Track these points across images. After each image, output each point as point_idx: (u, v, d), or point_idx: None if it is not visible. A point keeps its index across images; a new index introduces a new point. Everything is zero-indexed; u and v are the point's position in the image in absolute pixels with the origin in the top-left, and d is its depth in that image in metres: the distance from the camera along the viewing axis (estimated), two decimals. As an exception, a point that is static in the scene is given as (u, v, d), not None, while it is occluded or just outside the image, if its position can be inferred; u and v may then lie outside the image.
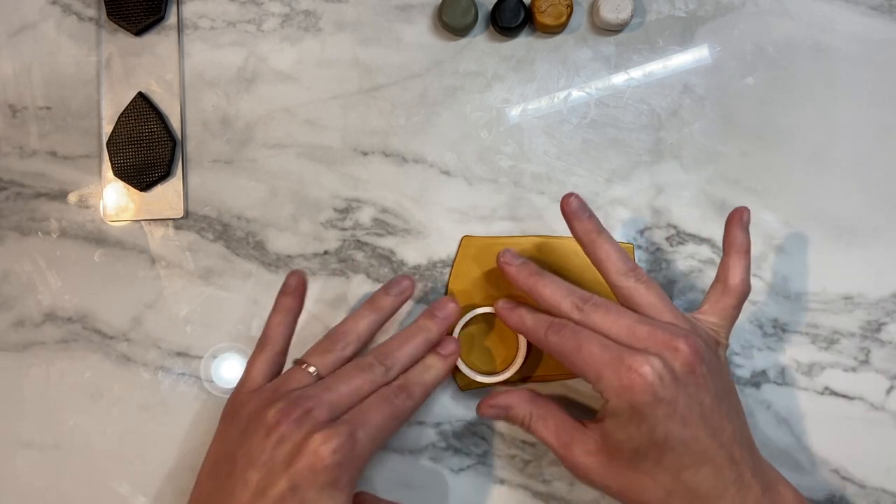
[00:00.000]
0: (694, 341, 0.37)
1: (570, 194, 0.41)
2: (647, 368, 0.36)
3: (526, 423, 0.42)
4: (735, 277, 0.41)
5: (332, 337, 0.42)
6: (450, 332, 0.45)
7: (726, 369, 0.40)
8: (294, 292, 0.43)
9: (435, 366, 0.42)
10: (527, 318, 0.42)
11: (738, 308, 0.42)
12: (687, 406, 0.36)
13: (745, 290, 0.41)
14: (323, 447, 0.35)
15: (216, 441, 0.40)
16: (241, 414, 0.39)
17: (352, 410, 0.38)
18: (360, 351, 0.42)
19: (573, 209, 0.41)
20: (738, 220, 0.42)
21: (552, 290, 0.41)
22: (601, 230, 0.41)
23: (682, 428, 0.36)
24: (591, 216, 0.42)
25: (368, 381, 0.40)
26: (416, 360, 0.42)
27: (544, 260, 0.48)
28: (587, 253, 0.42)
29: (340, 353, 0.41)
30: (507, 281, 0.47)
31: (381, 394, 0.39)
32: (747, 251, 0.42)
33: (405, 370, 0.41)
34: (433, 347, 0.43)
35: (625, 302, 0.40)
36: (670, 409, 0.36)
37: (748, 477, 0.37)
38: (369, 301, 0.43)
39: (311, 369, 0.40)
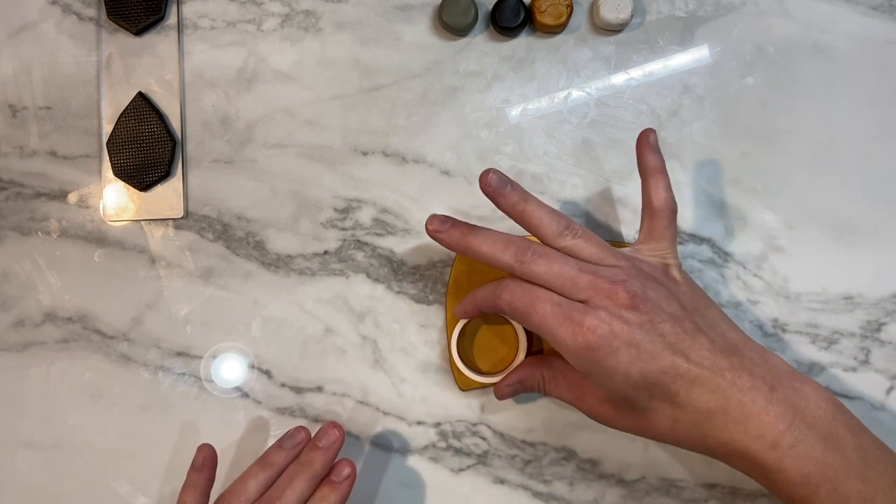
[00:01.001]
0: (631, 284, 0.37)
1: (488, 171, 0.40)
2: (596, 322, 0.36)
3: (541, 388, 0.43)
4: (658, 198, 0.42)
5: (220, 502, 0.42)
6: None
7: (686, 286, 0.40)
8: (202, 468, 0.44)
9: (328, 498, 0.42)
10: (477, 294, 0.41)
11: (671, 226, 0.42)
12: (648, 341, 0.37)
13: (672, 207, 0.42)
14: None
15: None
16: None
17: None
18: None
19: (493, 186, 0.40)
20: (646, 144, 0.43)
21: (490, 244, 0.39)
22: (527, 198, 0.40)
23: (653, 361, 0.36)
24: (514, 187, 0.40)
25: None
26: (305, 499, 0.42)
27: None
28: (521, 225, 0.41)
29: None
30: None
31: None
32: (662, 170, 0.42)
33: None
34: (324, 478, 0.43)
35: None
36: (632, 351, 0.36)
37: (746, 379, 0.37)
38: (261, 459, 0.43)
39: None
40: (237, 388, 0.49)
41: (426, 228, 0.41)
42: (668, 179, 0.42)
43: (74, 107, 0.50)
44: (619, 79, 0.49)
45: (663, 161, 0.42)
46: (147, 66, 0.50)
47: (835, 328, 0.47)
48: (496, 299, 0.40)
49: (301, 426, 0.45)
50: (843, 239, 0.48)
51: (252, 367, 0.49)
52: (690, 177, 0.48)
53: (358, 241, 0.49)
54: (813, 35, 0.49)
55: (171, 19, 0.50)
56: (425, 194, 0.49)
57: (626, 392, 0.38)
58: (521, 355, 0.45)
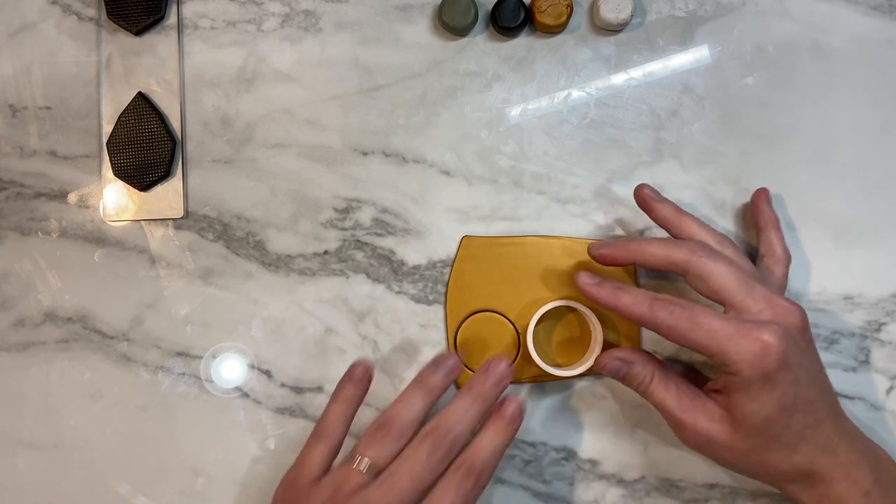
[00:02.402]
0: (802, 309, 0.40)
1: (641, 185, 0.45)
2: (774, 337, 0.37)
3: (645, 384, 0.42)
4: (779, 248, 0.45)
5: (385, 425, 0.39)
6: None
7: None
8: (360, 381, 0.42)
9: (499, 435, 0.40)
10: (622, 294, 0.41)
11: (787, 276, 0.45)
12: (807, 369, 0.38)
13: (790, 257, 0.45)
14: None
15: None
16: None
17: None
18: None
19: (648, 195, 0.45)
20: (764, 199, 0.46)
21: (659, 246, 0.42)
22: (680, 209, 0.44)
23: (808, 389, 0.38)
24: (666, 199, 0.45)
25: (429, 470, 0.38)
26: (475, 431, 0.40)
27: (544, 260, 0.48)
28: (673, 234, 0.44)
29: (397, 443, 0.39)
30: (507, 281, 0.47)
31: (447, 483, 0.38)
32: (779, 224, 0.46)
33: (466, 445, 0.39)
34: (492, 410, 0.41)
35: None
36: (797, 372, 0.38)
37: (852, 430, 0.40)
38: (419, 382, 0.41)
39: (366, 463, 0.38)
40: (237, 388, 0.49)
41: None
42: (782, 232, 0.46)
43: (74, 107, 0.50)
44: (619, 79, 0.49)
45: (776, 214, 0.46)
46: (147, 66, 0.50)
47: (835, 328, 0.47)
48: (650, 314, 0.39)
49: (452, 352, 0.43)
50: (843, 239, 0.48)
51: (252, 367, 0.49)
52: (690, 177, 0.48)
53: (358, 241, 0.49)
54: (813, 35, 0.49)
55: (171, 19, 0.50)
56: (425, 194, 0.49)
57: (770, 413, 0.38)
58: (597, 348, 0.45)
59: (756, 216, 0.46)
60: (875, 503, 0.38)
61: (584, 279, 0.42)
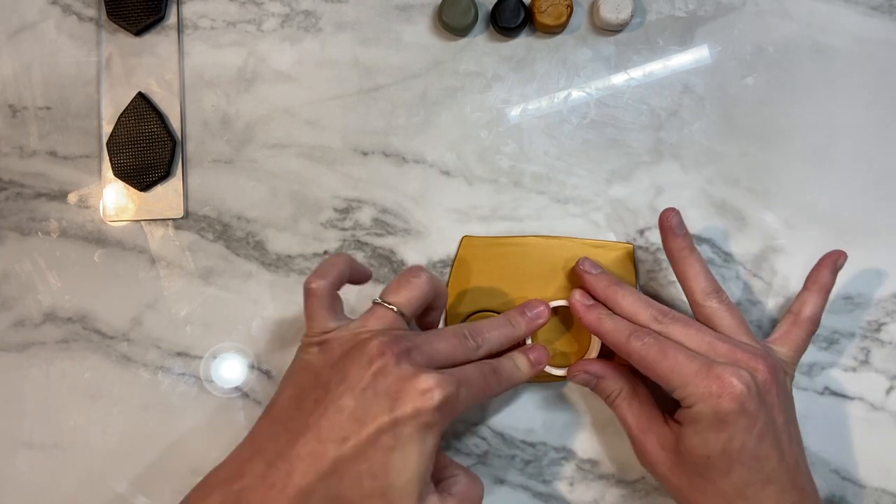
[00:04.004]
0: (772, 362, 0.39)
1: (671, 210, 0.43)
2: (736, 379, 0.37)
3: (612, 399, 0.43)
4: (808, 310, 0.43)
5: (465, 334, 0.40)
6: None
7: (791, 399, 0.41)
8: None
9: (523, 367, 0.42)
10: (605, 320, 0.42)
11: (807, 341, 0.43)
12: (765, 423, 0.37)
13: (816, 325, 0.43)
14: (434, 391, 0.34)
15: (299, 370, 0.39)
16: (332, 343, 0.38)
17: (451, 369, 0.37)
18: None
19: (673, 224, 0.43)
20: (830, 263, 0.44)
21: (631, 301, 0.42)
22: (693, 248, 0.43)
23: (757, 443, 0.37)
24: (687, 234, 0.43)
25: (461, 350, 0.39)
26: (500, 351, 0.41)
27: (544, 260, 0.48)
28: (675, 267, 0.43)
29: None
30: (507, 281, 0.47)
31: (477, 366, 0.39)
32: (827, 291, 0.43)
33: (489, 357, 0.41)
34: (520, 346, 0.43)
35: (705, 322, 0.42)
36: (751, 422, 0.37)
37: (807, 501, 0.39)
38: (503, 315, 0.43)
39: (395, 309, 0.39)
40: (237, 388, 0.49)
41: (576, 265, 0.45)
42: (826, 301, 0.44)
43: (74, 107, 0.50)
44: (619, 79, 0.49)
45: (833, 283, 0.44)
46: (147, 66, 0.50)
47: (835, 328, 0.47)
48: (626, 343, 0.40)
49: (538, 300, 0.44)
50: (843, 239, 0.48)
51: (252, 367, 0.49)
52: (690, 177, 0.48)
53: (358, 241, 0.49)
54: (813, 35, 0.49)
55: (171, 19, 0.50)
56: (425, 194, 0.49)
57: (711, 453, 0.38)
58: (596, 349, 0.45)
59: (811, 272, 0.44)
60: None
61: (577, 298, 0.43)
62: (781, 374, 0.40)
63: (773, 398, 0.38)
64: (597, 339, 0.45)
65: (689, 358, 0.38)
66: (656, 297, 0.48)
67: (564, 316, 0.47)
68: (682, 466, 0.40)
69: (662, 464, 0.41)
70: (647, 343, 0.39)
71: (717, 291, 0.42)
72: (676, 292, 0.48)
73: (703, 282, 0.42)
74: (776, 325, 0.44)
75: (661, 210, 0.43)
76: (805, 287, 0.44)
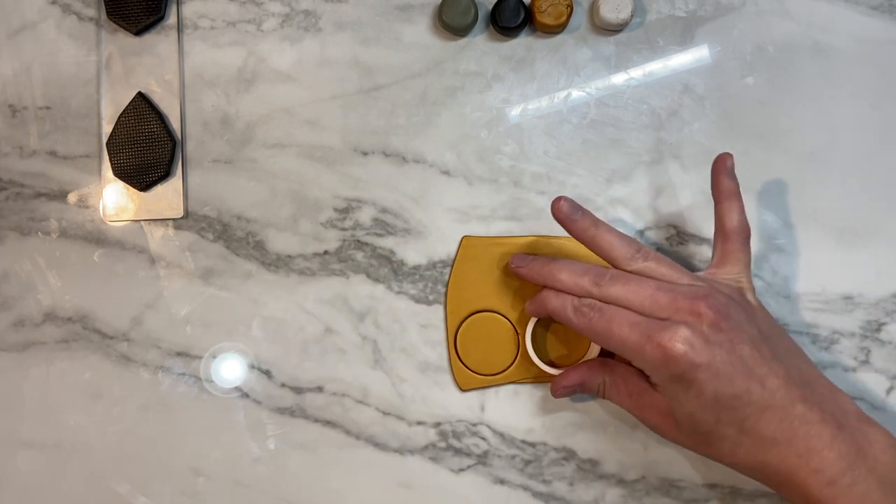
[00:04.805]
0: (714, 300, 0.38)
1: (559, 198, 0.42)
2: (676, 340, 0.37)
3: (601, 393, 0.44)
4: (731, 221, 0.42)
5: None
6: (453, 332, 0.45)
7: (761, 312, 0.41)
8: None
9: None
10: (550, 300, 0.42)
11: (744, 249, 0.42)
12: (727, 363, 0.37)
13: (746, 230, 0.42)
14: None
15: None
16: None
17: None
18: None
19: (565, 213, 0.42)
20: (722, 167, 0.43)
21: (568, 273, 0.41)
22: (597, 223, 0.42)
23: (729, 384, 0.37)
24: (584, 213, 0.42)
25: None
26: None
27: (544, 260, 0.48)
28: (592, 250, 0.42)
29: None
30: (507, 281, 0.48)
31: None
32: (737, 194, 0.43)
33: None
34: None
35: None
36: (710, 371, 0.36)
37: (816, 413, 0.37)
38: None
39: None
40: (237, 388, 0.49)
41: (510, 265, 0.45)
42: (742, 204, 0.43)
43: (74, 107, 0.50)
44: (619, 79, 0.49)
45: (738, 184, 0.43)
46: (147, 66, 0.50)
47: (835, 328, 0.47)
48: (571, 319, 0.40)
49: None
50: (843, 239, 0.48)
51: (252, 367, 0.49)
52: (690, 177, 0.48)
53: (358, 241, 0.49)
54: (813, 35, 0.49)
55: (171, 19, 0.50)
56: (425, 194, 0.49)
57: (694, 410, 0.38)
58: (594, 353, 0.45)
59: (712, 185, 0.43)
60: (842, 492, 0.36)
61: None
62: (732, 300, 0.39)
63: (727, 332, 0.37)
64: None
65: (631, 327, 0.38)
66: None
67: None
68: (681, 429, 0.40)
69: (668, 430, 0.41)
70: (591, 318, 0.39)
71: (639, 250, 0.41)
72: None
73: (620, 249, 0.41)
74: (712, 250, 0.43)
75: (552, 202, 0.42)
76: (716, 201, 0.43)
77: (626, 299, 0.39)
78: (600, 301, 0.40)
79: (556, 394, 0.45)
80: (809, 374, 0.39)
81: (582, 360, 0.45)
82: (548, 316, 0.43)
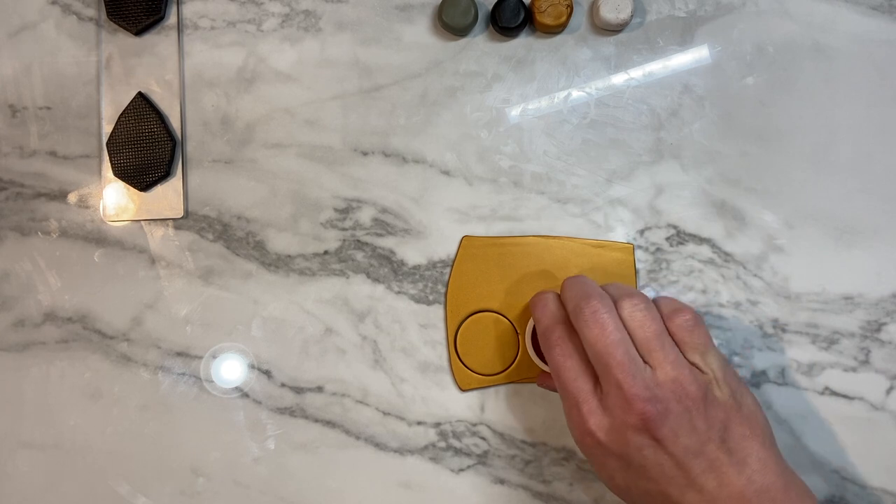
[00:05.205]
0: (656, 406, 0.37)
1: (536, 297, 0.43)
2: (593, 425, 0.38)
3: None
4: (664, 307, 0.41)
5: None
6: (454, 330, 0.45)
7: (724, 407, 0.39)
8: None
9: None
10: (545, 315, 0.42)
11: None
12: (641, 467, 0.38)
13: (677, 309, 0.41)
14: None
15: None
16: None
17: None
18: None
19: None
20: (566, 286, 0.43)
21: (544, 305, 0.42)
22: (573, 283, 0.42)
23: (640, 482, 0.38)
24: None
25: None
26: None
27: (544, 260, 0.48)
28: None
29: None
30: (507, 281, 0.48)
31: None
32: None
33: None
34: None
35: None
36: (621, 460, 0.38)
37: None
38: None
39: None
40: (237, 388, 0.49)
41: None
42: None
43: (74, 107, 0.50)
44: (619, 79, 0.49)
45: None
46: (147, 66, 0.50)
47: (835, 328, 0.47)
48: (545, 344, 0.41)
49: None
50: (843, 239, 0.48)
51: (252, 367, 0.49)
52: (690, 177, 0.48)
53: (358, 241, 0.49)
54: (813, 35, 0.49)
55: (171, 19, 0.50)
56: (425, 194, 0.49)
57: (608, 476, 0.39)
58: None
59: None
60: None
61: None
62: (685, 404, 0.37)
63: (661, 435, 0.37)
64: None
65: (573, 384, 0.39)
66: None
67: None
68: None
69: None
70: (553, 355, 0.40)
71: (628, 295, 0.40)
72: (676, 292, 0.48)
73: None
74: None
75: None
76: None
77: (587, 344, 0.39)
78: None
79: (541, 384, 0.46)
80: (759, 481, 0.37)
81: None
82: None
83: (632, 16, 0.47)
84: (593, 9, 0.49)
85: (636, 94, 0.49)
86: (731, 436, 0.37)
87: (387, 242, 0.49)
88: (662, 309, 0.40)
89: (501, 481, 0.47)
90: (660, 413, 0.37)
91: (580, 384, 0.39)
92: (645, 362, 0.38)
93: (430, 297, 0.49)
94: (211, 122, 0.50)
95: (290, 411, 0.48)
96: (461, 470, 0.48)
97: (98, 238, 0.50)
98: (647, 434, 0.37)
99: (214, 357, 0.49)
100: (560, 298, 0.42)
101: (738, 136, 0.49)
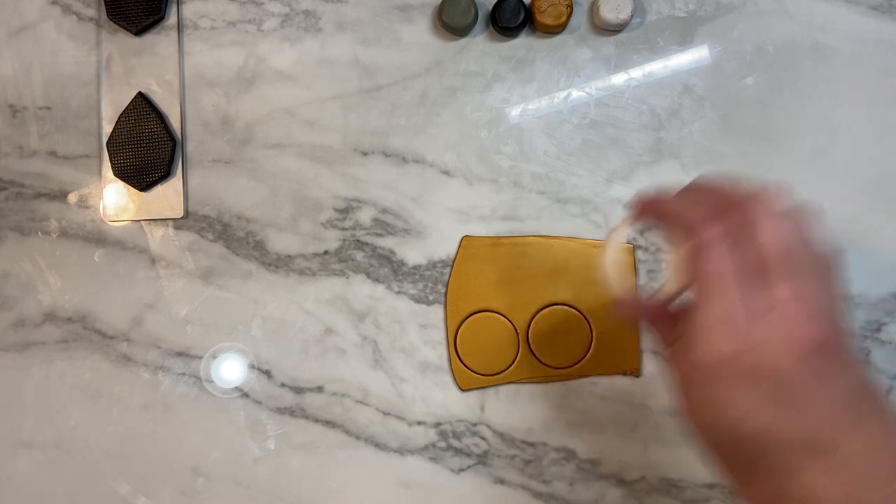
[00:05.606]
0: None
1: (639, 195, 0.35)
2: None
3: (669, 344, 0.35)
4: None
5: None
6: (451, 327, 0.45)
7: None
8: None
9: None
10: (686, 215, 0.33)
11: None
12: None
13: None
14: None
15: None
16: None
17: None
18: None
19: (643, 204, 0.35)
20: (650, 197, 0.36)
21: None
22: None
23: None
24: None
25: None
26: None
27: (544, 260, 0.48)
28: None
29: None
30: (507, 281, 0.48)
31: None
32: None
33: None
34: None
35: None
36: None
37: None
38: None
39: None
40: (237, 388, 0.49)
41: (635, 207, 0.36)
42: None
43: (74, 107, 0.50)
44: (619, 79, 0.49)
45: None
46: (147, 66, 0.50)
47: (835, 328, 0.47)
48: (706, 244, 0.32)
49: None
50: (843, 239, 0.48)
51: (252, 367, 0.49)
52: (690, 177, 0.48)
53: (358, 241, 0.49)
54: (813, 35, 0.49)
55: (171, 19, 0.50)
56: (425, 194, 0.49)
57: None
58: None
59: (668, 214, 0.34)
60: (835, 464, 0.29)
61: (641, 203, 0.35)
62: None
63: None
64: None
65: (734, 296, 0.31)
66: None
67: (564, 316, 0.47)
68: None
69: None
70: (714, 255, 0.31)
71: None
72: (676, 292, 0.48)
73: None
74: None
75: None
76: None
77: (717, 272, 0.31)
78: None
79: (621, 310, 0.37)
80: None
81: (579, 361, 0.45)
82: (662, 222, 0.35)
83: (632, 16, 0.47)
84: (593, 9, 0.49)
85: (636, 94, 0.49)
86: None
87: (387, 242, 0.49)
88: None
89: (501, 481, 0.47)
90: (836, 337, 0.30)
91: (738, 299, 0.30)
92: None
93: (430, 297, 0.49)
94: (211, 122, 0.50)
95: (290, 411, 0.48)
96: (461, 470, 0.48)
97: (98, 238, 0.50)
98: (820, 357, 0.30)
99: (214, 357, 0.49)
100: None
101: (738, 136, 0.49)
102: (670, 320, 0.35)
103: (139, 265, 0.50)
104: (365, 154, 0.50)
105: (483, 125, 0.49)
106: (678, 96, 0.49)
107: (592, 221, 0.49)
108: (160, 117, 0.50)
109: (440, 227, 0.49)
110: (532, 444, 0.48)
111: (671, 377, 0.33)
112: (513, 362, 0.47)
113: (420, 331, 0.48)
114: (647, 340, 0.48)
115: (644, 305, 0.37)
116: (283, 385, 0.49)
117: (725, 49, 0.49)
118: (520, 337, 0.47)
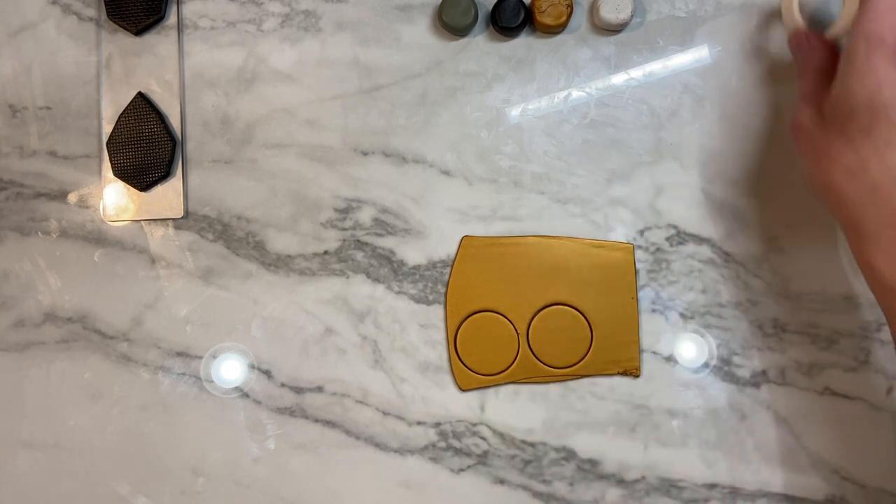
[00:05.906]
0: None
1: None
2: None
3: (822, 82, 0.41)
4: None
5: None
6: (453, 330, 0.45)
7: None
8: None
9: None
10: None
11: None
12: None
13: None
14: None
15: None
16: None
17: None
18: None
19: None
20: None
21: None
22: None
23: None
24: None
25: None
26: None
27: (544, 260, 0.48)
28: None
29: None
30: (507, 281, 0.48)
31: None
32: None
33: None
34: None
35: None
36: None
37: None
38: None
39: None
40: (237, 388, 0.49)
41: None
42: None
43: (74, 107, 0.50)
44: (619, 79, 0.49)
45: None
46: (147, 66, 0.50)
47: (835, 328, 0.47)
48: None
49: None
50: (843, 239, 0.48)
51: (252, 367, 0.49)
52: (690, 177, 0.48)
53: (358, 241, 0.49)
54: (813, 35, 0.49)
55: (171, 19, 0.50)
56: (425, 194, 0.49)
57: (855, 105, 0.37)
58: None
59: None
60: None
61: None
62: None
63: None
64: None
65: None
66: (656, 297, 0.48)
67: (564, 316, 0.47)
68: (826, 127, 0.39)
69: (809, 127, 0.41)
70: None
71: None
72: (676, 292, 0.48)
73: None
74: None
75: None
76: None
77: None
78: None
79: (792, 42, 0.44)
80: None
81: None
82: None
83: (632, 16, 0.47)
84: (593, 9, 0.49)
85: (636, 94, 0.49)
86: None
87: (387, 242, 0.49)
88: None
89: (501, 481, 0.47)
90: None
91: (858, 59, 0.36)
92: None
93: (430, 297, 0.49)
94: (211, 122, 0.50)
95: (290, 411, 0.48)
96: (461, 470, 0.48)
97: (98, 238, 0.50)
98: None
99: (214, 357, 0.49)
100: None
101: (738, 136, 0.49)
102: (836, 59, 0.40)
103: (139, 265, 0.50)
104: (365, 154, 0.50)
105: (483, 125, 0.49)
106: (678, 96, 0.49)
107: (592, 221, 0.49)
108: (160, 117, 0.50)
109: (440, 227, 0.49)
110: (532, 444, 0.48)
111: (846, 53, 0.38)
112: (513, 362, 0.47)
113: (420, 331, 0.48)
114: (647, 340, 0.48)
115: (817, 42, 0.42)
116: (283, 385, 0.49)
117: (725, 49, 0.49)
118: (520, 337, 0.47)
